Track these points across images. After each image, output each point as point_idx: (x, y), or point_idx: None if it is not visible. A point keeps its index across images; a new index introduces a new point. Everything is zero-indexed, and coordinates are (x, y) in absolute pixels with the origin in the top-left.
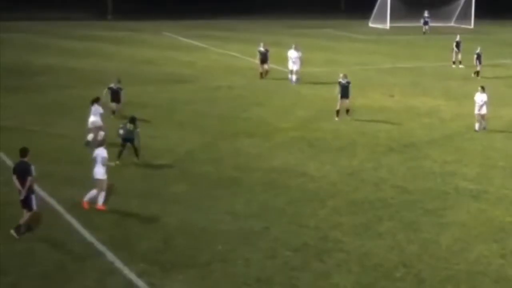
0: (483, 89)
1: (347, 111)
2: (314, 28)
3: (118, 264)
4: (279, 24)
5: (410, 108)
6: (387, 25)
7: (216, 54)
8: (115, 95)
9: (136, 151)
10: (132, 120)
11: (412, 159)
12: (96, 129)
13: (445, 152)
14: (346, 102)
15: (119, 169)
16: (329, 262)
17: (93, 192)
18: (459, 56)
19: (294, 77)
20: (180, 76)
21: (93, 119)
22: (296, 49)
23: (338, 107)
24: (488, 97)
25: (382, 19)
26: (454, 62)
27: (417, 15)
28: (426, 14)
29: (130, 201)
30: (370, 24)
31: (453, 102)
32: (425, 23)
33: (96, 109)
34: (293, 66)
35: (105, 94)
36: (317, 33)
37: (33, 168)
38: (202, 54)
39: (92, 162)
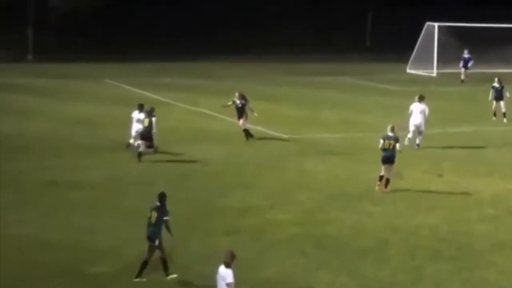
0: None
1: (386, 184)
2: (326, 75)
3: None
4: (276, 69)
5: (467, 194)
6: (434, 71)
7: (183, 111)
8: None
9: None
10: (161, 198)
11: (469, 269)
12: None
13: None
14: (389, 170)
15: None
16: None
17: None
18: (502, 107)
19: (418, 140)
20: None
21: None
22: (421, 100)
23: (381, 173)
24: None
25: (427, 62)
26: (495, 114)
27: (479, 57)
28: (465, 54)
29: None
30: (409, 70)
31: None
32: (465, 66)
33: (140, 116)
34: (418, 125)
35: None
36: (330, 82)
37: None
38: (163, 111)
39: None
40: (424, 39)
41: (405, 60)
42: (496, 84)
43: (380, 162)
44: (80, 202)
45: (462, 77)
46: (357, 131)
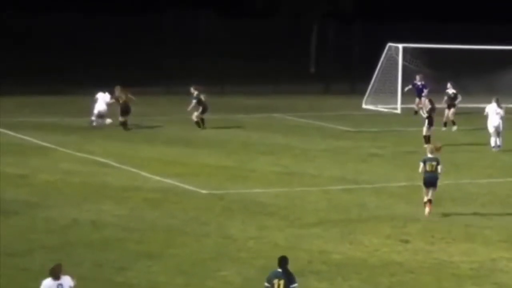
0: None
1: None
2: (258, 112)
3: None
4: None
5: (441, 265)
6: (398, 106)
7: (70, 159)
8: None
9: None
10: (283, 263)
11: None
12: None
13: None
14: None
15: None
16: None
17: None
18: (450, 114)
19: (498, 141)
20: None
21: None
22: (498, 103)
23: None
24: None
25: (388, 95)
26: (445, 124)
27: (460, 87)
28: (417, 80)
29: None
30: (365, 105)
31: None
32: (419, 95)
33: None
34: (496, 126)
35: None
36: (263, 120)
37: None
38: (43, 159)
39: None
40: (385, 65)
41: (360, 92)
42: (449, 90)
43: (422, 185)
44: None
45: (416, 107)
46: (299, 184)
